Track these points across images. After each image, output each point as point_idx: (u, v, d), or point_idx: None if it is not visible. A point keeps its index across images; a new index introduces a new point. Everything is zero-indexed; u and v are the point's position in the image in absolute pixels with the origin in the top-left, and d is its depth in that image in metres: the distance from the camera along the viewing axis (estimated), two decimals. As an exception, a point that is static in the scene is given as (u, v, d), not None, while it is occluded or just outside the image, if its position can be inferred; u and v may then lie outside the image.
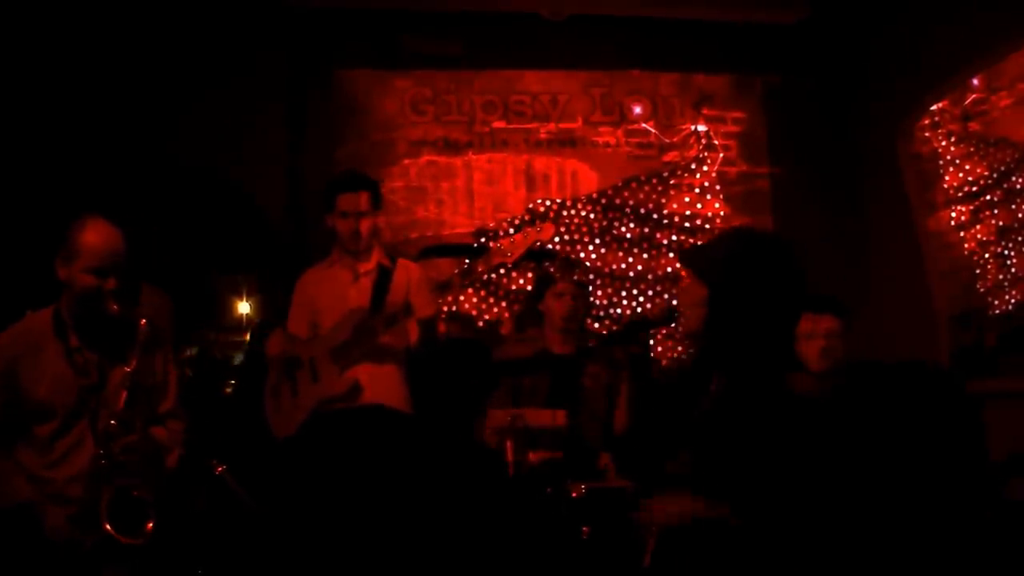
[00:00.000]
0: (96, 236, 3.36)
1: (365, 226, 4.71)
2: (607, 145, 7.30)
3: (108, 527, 3.13)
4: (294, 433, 4.46)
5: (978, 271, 7.11)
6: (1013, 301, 6.87)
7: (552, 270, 5.20)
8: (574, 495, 4.06)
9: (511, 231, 4.28)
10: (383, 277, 4.70)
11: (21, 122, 5.93)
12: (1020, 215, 6.97)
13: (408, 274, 4.79)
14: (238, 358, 8.28)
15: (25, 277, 5.48)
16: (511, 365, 4.96)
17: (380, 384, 4.52)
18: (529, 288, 6.69)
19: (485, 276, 6.61)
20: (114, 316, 3.36)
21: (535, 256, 6.57)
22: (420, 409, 4.72)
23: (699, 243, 6.72)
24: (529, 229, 4.41)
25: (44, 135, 6.02)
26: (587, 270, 6.92)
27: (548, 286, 4.93)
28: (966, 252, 7.20)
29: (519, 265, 6.70)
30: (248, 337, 7.48)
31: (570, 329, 4.83)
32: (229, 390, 6.77)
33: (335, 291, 4.73)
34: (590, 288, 5.77)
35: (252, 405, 4.87)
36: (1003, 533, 4.04)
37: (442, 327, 5.27)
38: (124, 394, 3.34)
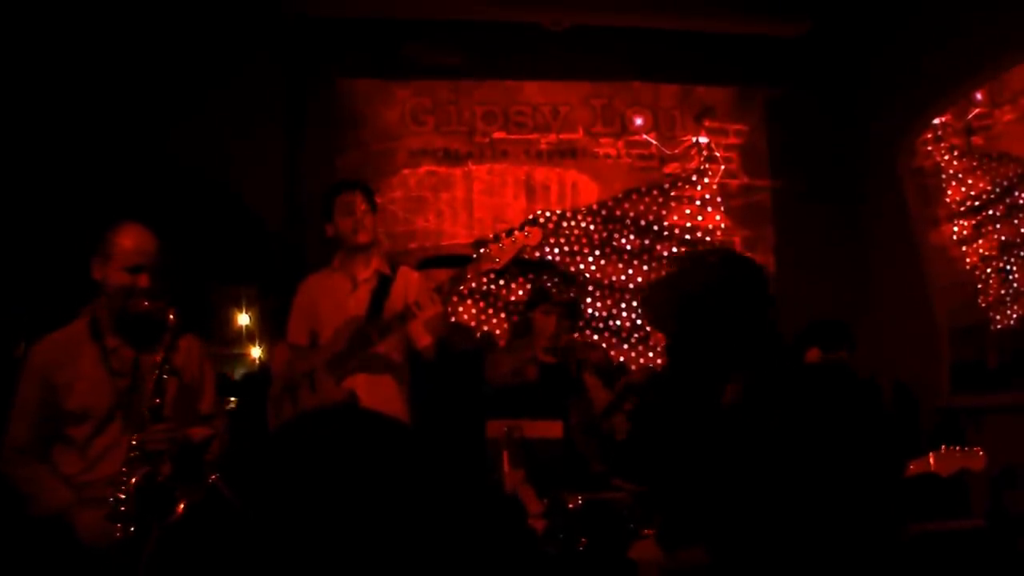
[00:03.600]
0: (130, 238, 3.52)
1: (369, 220, 4.72)
2: (608, 156, 7.29)
3: (137, 510, 3.21)
4: (273, 433, 4.49)
5: (980, 286, 7.08)
6: (1015, 316, 6.84)
7: (548, 284, 5.24)
8: (571, 507, 4.05)
9: (503, 235, 4.30)
10: (382, 285, 4.70)
11: (18, 128, 5.92)
12: (1022, 230, 6.95)
13: (407, 282, 4.78)
14: (238, 371, 8.25)
15: (23, 280, 5.49)
16: (501, 391, 5.00)
17: (378, 394, 4.50)
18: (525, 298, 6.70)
19: (474, 281, 6.62)
20: (145, 312, 3.47)
21: (532, 267, 6.57)
22: (421, 420, 4.72)
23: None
24: (518, 234, 4.40)
25: (41, 140, 6.00)
26: (581, 284, 6.93)
27: (539, 298, 4.99)
28: (968, 267, 7.18)
29: (511, 273, 6.70)
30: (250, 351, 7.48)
31: (553, 346, 4.92)
32: (232, 405, 6.74)
33: (334, 299, 4.73)
34: (580, 306, 5.77)
35: (255, 420, 4.88)
36: (999, 543, 4.02)
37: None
38: (152, 383, 3.40)
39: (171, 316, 3.45)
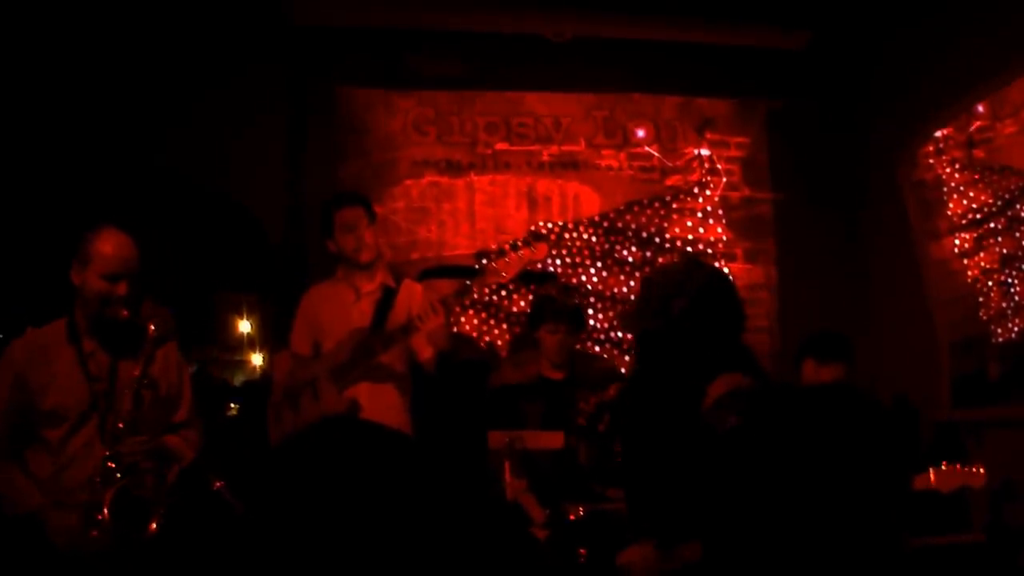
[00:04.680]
0: (109, 244, 3.53)
1: (369, 235, 4.72)
2: (610, 168, 7.27)
3: (110, 521, 3.21)
4: (278, 446, 4.50)
5: (981, 299, 7.08)
6: (1016, 329, 6.84)
7: (551, 292, 5.23)
8: (572, 517, 4.05)
9: (508, 250, 4.31)
10: (386, 297, 4.71)
11: (19, 136, 5.93)
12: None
13: (411, 294, 4.79)
14: (239, 378, 8.26)
15: (24, 287, 5.51)
16: (507, 392, 5.00)
17: (380, 403, 4.52)
18: (528, 311, 6.69)
19: (479, 295, 6.61)
20: (123, 320, 3.49)
21: (534, 278, 6.57)
22: (423, 430, 4.73)
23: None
24: (524, 249, 4.42)
25: (42, 149, 6.01)
26: (583, 295, 6.93)
27: (544, 316, 4.98)
28: (969, 280, 7.17)
29: (514, 284, 6.69)
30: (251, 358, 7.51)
31: (560, 362, 4.93)
32: (233, 412, 6.75)
33: (338, 310, 4.75)
34: (584, 316, 5.74)
35: (255, 427, 4.89)
36: (999, 557, 4.02)
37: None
38: (129, 395, 3.42)
39: (151, 327, 3.46)
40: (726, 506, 2.55)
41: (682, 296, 2.83)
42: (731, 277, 3.09)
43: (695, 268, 3.04)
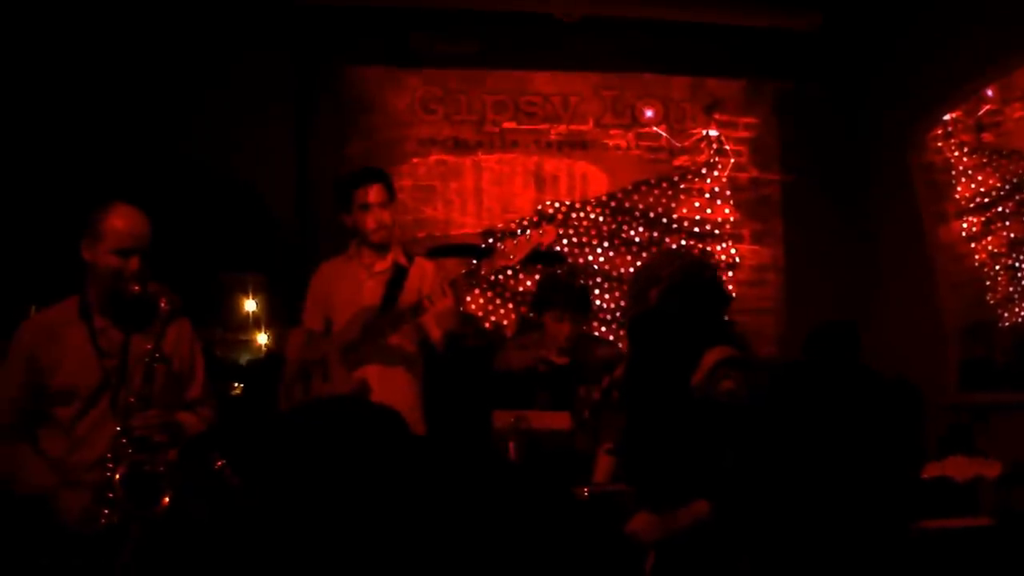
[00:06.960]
0: (121, 220, 3.51)
1: (387, 215, 4.70)
2: (618, 148, 7.27)
3: (123, 499, 3.20)
4: (277, 420, 4.50)
5: (988, 283, 7.05)
6: (1023, 314, 6.82)
7: (557, 274, 5.22)
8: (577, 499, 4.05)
9: (518, 232, 4.30)
10: (397, 276, 4.69)
11: (28, 120, 5.92)
12: (1032, 227, 6.92)
13: (423, 274, 4.77)
14: (244, 357, 8.25)
15: (32, 270, 5.49)
16: (513, 375, 4.99)
17: (389, 384, 4.50)
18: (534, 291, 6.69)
19: (490, 278, 6.60)
20: (135, 296, 3.46)
21: (542, 258, 6.56)
22: (432, 411, 4.72)
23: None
24: (532, 231, 4.41)
25: (51, 133, 6.00)
26: (590, 275, 6.92)
27: (549, 303, 4.97)
28: (977, 263, 7.15)
29: (522, 267, 6.68)
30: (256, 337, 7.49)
31: (566, 348, 4.91)
32: (238, 391, 6.74)
33: (348, 287, 4.73)
34: (590, 299, 5.70)
35: (260, 406, 4.88)
36: (1007, 542, 4.03)
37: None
38: (140, 371, 3.40)
39: (163, 303, 3.44)
40: (737, 463, 2.62)
41: (657, 284, 3.08)
42: (711, 263, 3.31)
43: (670, 258, 3.33)
